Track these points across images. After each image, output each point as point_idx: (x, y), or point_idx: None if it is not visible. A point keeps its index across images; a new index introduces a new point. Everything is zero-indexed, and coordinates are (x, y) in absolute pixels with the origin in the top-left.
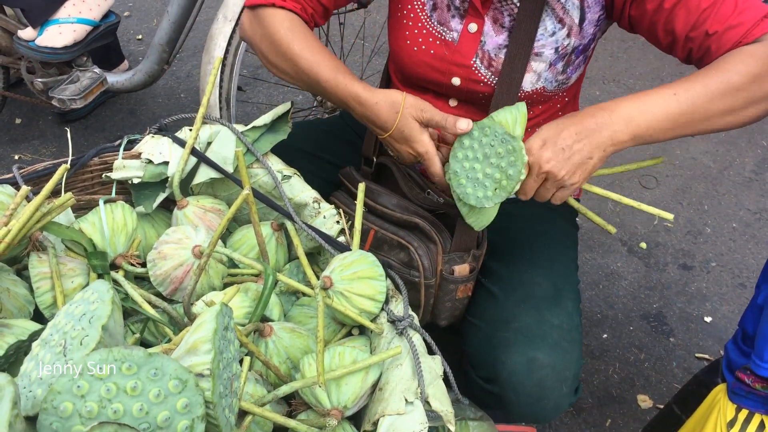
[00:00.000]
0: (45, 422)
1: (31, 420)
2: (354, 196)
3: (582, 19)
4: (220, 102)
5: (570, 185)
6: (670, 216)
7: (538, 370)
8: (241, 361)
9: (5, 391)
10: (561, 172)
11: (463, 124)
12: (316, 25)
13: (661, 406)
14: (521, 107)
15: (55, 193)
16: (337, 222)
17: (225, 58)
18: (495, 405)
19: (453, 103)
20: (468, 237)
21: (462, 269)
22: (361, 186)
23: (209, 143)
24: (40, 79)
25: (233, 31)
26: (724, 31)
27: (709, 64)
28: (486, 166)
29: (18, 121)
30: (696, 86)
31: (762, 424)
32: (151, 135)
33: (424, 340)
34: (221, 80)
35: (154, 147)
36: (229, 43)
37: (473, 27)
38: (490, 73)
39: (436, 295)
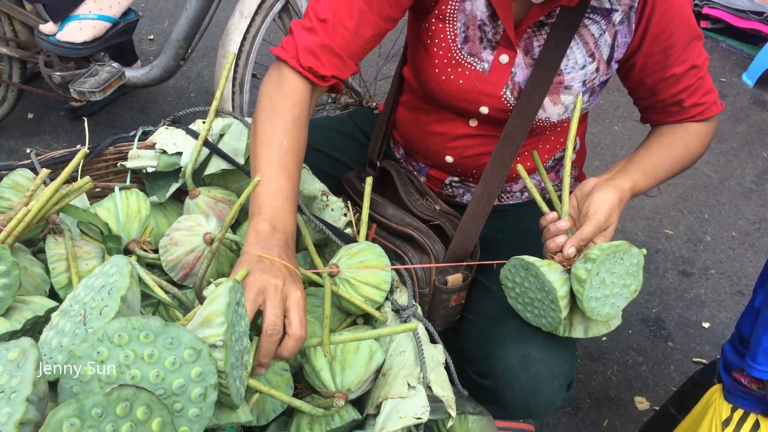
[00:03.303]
0: (65, 386)
1: (52, 385)
2: (354, 201)
3: (610, 58)
4: (233, 87)
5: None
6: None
7: (531, 365)
8: (251, 338)
9: (29, 353)
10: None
11: None
12: (334, 91)
13: (658, 408)
14: None
15: (71, 181)
16: (345, 214)
17: (242, 44)
18: (490, 400)
19: (473, 122)
20: (461, 249)
21: (455, 279)
22: (369, 180)
23: (221, 135)
24: (58, 73)
25: (249, 26)
26: (690, 107)
27: (672, 133)
28: (535, 299)
29: (30, 115)
30: (664, 155)
31: (757, 424)
32: (165, 126)
33: (427, 330)
34: (237, 66)
35: (168, 138)
36: (247, 31)
37: (504, 58)
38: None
39: (431, 304)
